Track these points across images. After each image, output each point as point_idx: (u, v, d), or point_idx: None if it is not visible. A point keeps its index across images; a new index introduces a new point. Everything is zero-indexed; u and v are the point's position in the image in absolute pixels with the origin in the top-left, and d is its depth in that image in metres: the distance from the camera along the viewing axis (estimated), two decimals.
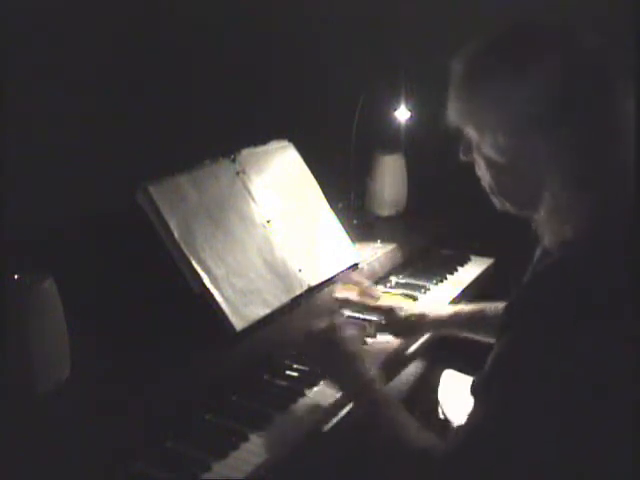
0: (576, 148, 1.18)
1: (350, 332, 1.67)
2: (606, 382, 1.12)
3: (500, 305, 1.70)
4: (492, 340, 1.79)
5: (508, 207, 1.33)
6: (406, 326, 1.78)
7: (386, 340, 1.76)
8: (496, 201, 1.34)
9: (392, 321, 1.79)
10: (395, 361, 1.71)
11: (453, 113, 1.28)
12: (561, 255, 1.21)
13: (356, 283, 1.87)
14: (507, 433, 1.13)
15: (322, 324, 1.52)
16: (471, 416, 1.19)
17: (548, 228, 1.25)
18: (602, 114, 1.19)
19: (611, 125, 1.19)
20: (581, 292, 1.13)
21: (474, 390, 1.21)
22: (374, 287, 1.91)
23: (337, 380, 1.47)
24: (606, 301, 1.12)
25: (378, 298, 1.85)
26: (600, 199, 1.20)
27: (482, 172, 1.32)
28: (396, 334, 1.78)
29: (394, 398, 1.38)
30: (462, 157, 1.33)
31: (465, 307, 1.83)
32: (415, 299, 1.97)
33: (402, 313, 1.80)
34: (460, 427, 1.20)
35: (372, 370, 1.44)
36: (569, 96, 1.17)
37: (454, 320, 1.78)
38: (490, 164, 1.27)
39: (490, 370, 1.19)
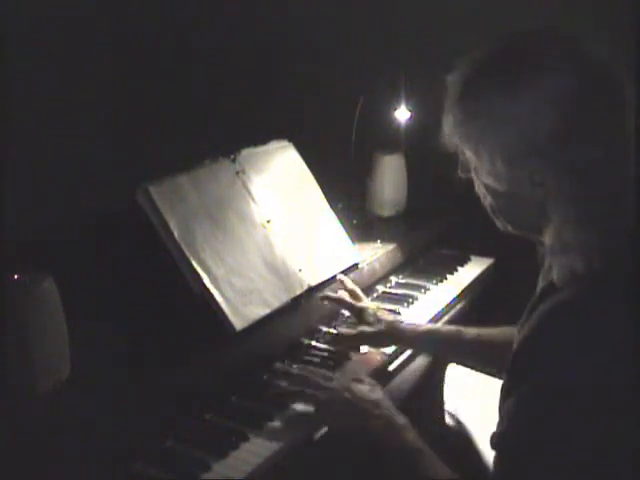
0: (580, 176, 1.09)
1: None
2: (629, 428, 1.07)
3: (480, 331, 1.68)
4: (464, 364, 1.79)
5: (510, 229, 1.27)
6: (374, 333, 1.71)
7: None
8: (498, 222, 1.28)
9: (361, 322, 1.74)
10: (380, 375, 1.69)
11: (449, 133, 1.20)
12: (573, 293, 1.11)
13: (342, 283, 1.83)
14: None
15: (333, 385, 1.46)
16: (495, 472, 1.15)
17: (556, 261, 1.16)
18: (609, 137, 1.09)
19: (618, 149, 1.10)
20: (598, 335, 1.06)
21: (494, 445, 1.16)
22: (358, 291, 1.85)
23: (367, 436, 1.38)
24: (624, 344, 1.05)
25: (361, 298, 1.80)
26: (611, 230, 1.11)
27: (482, 192, 1.25)
28: (364, 341, 1.71)
29: (425, 446, 1.31)
30: (460, 175, 1.27)
31: (442, 328, 1.80)
32: (398, 313, 1.89)
33: (372, 318, 1.73)
34: None
35: (400, 418, 1.36)
36: (572, 118, 1.08)
37: (429, 339, 1.72)
38: (489, 190, 1.22)
39: (508, 425, 1.13)
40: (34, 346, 1.29)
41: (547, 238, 1.17)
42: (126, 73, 1.90)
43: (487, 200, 1.25)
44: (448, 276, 2.16)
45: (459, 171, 1.28)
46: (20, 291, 1.29)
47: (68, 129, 1.73)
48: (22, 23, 1.64)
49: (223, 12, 2.14)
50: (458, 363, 1.81)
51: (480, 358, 1.68)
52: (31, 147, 1.66)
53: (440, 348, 1.75)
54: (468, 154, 1.21)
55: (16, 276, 1.31)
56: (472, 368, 1.78)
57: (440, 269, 2.19)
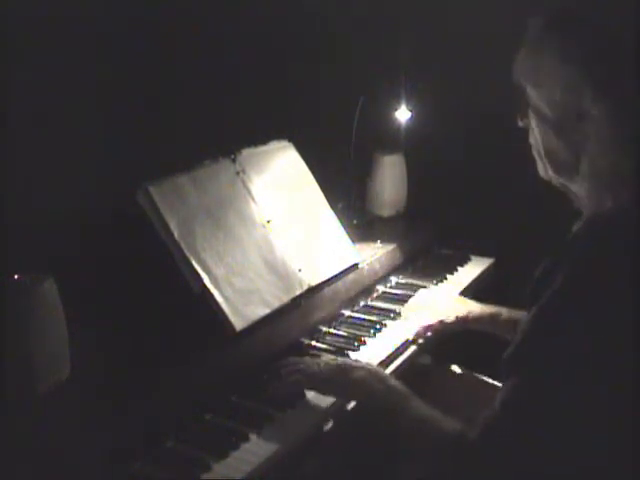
0: (623, 114, 1.28)
1: None
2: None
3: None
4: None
5: (550, 173, 1.39)
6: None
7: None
8: (540, 167, 1.41)
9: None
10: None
11: (517, 72, 1.40)
12: (600, 221, 1.25)
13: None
14: (555, 396, 1.17)
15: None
16: (510, 389, 1.21)
17: (587, 197, 1.31)
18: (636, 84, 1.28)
19: None
20: (618, 254, 1.18)
21: (509, 363, 1.23)
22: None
23: (352, 387, 1.45)
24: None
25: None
26: None
27: (533, 135, 1.40)
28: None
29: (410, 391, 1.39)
30: (519, 123, 1.43)
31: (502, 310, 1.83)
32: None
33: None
34: (499, 402, 1.22)
35: (383, 370, 1.46)
36: (617, 62, 1.30)
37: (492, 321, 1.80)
38: (540, 119, 1.36)
39: (523, 340, 1.22)
40: (34, 346, 1.29)
41: (581, 178, 1.32)
42: (126, 73, 1.89)
43: (535, 141, 1.40)
44: (448, 276, 2.16)
45: (518, 119, 1.42)
46: (20, 291, 1.29)
47: (68, 129, 1.73)
48: (22, 23, 1.64)
49: (223, 12, 2.14)
50: None
51: None
52: (31, 147, 1.66)
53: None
54: (529, 90, 1.37)
55: (16, 276, 1.31)
56: None
57: (440, 269, 2.20)
